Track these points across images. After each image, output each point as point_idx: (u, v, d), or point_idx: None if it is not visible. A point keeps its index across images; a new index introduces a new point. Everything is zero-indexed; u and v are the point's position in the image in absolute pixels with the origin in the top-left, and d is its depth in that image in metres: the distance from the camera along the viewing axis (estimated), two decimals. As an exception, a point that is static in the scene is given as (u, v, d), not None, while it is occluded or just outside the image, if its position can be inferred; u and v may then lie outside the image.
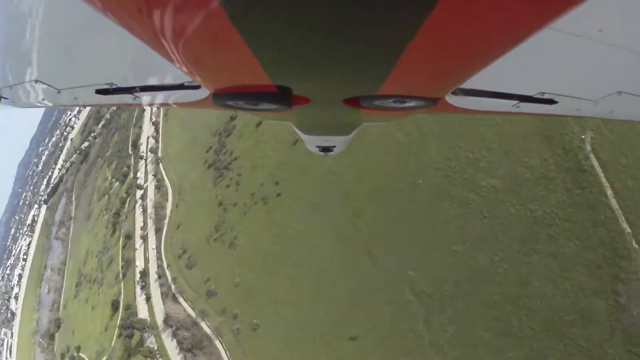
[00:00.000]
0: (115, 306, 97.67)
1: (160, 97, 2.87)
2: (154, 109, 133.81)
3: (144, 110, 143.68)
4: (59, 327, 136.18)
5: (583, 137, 38.20)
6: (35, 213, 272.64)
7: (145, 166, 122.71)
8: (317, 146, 7.72)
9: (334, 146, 7.65)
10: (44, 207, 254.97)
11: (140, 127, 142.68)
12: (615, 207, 34.98)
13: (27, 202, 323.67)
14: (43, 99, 2.87)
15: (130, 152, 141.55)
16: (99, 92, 2.55)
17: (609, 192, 35.59)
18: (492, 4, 0.95)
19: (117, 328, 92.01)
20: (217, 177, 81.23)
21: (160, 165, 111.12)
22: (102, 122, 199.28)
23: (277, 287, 58.78)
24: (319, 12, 0.97)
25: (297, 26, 1.05)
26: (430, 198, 47.57)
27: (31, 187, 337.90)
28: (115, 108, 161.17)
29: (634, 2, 1.83)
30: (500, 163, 43.21)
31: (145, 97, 2.73)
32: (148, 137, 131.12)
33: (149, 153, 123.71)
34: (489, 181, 43.37)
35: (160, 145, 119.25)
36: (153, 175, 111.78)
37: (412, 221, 47.94)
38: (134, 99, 2.72)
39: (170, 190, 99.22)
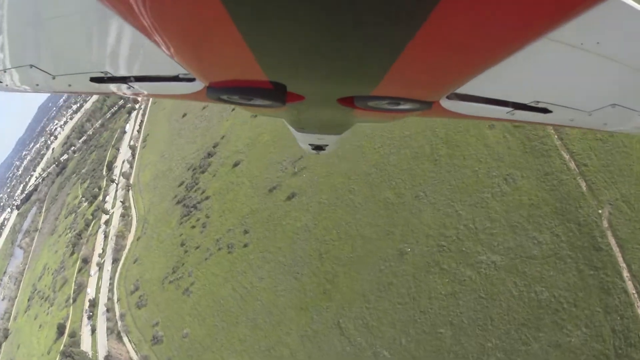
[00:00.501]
0: (60, 330, 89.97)
1: (154, 88, 2.62)
2: (134, 132, 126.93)
3: (124, 132, 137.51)
4: (6, 337, 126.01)
5: (600, 211, 32.91)
6: (7, 217, 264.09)
7: (116, 191, 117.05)
8: (309, 144, 6.80)
9: (326, 145, 6.85)
10: (16, 212, 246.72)
11: (118, 150, 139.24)
12: (632, 291, 29.53)
13: (2, 204, 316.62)
14: (37, 85, 2.69)
15: (104, 173, 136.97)
16: (94, 80, 2.46)
17: (625, 274, 30.17)
18: (492, 6, 0.93)
19: (58, 354, 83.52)
20: (184, 214, 75.50)
21: (130, 192, 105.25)
22: (84, 138, 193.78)
23: (228, 348, 51.22)
24: (318, 9, 0.93)
25: (295, 24, 1.02)
26: (417, 269, 40.07)
27: (8, 190, 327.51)
28: (98, 125, 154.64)
29: (634, 18, 1.78)
30: (505, 236, 36.37)
31: (140, 88, 2.58)
32: (123, 161, 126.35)
33: (121, 178, 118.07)
34: (489, 256, 36.34)
35: (133, 171, 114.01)
36: (121, 201, 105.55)
37: (392, 293, 40.47)
38: (128, 89, 2.59)
39: (134, 221, 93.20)
